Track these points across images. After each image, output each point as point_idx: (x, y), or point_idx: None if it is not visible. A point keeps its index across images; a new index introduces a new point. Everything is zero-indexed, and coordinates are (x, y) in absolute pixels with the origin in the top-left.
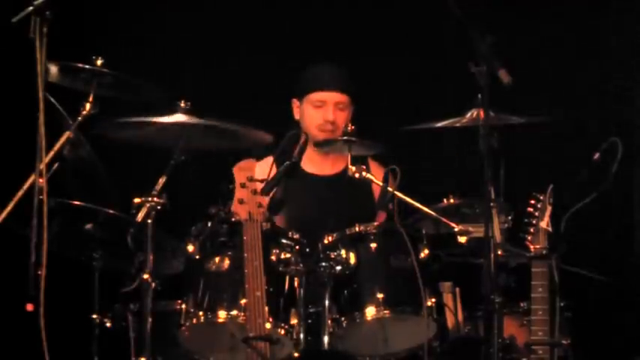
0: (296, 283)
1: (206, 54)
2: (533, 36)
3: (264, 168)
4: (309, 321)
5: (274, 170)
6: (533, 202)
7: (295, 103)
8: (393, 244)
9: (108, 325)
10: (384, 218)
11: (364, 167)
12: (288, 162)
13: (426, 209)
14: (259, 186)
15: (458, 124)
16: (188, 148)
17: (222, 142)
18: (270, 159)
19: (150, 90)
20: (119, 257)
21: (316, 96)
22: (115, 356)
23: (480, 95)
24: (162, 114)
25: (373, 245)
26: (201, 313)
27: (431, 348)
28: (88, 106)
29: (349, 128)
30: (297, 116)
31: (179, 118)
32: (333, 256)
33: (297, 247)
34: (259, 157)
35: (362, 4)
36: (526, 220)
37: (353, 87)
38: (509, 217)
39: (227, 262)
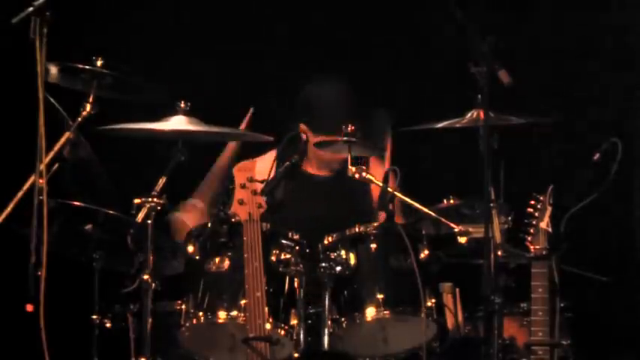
0: (296, 284)
1: (207, 55)
2: (532, 36)
3: (265, 164)
4: (309, 321)
5: (274, 172)
6: (533, 202)
7: (302, 128)
8: (393, 245)
9: (108, 325)
10: (384, 218)
11: (364, 167)
12: (287, 163)
13: (426, 209)
14: (259, 187)
15: (458, 125)
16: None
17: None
18: (270, 155)
19: (150, 90)
20: (119, 258)
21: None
22: (115, 356)
23: (480, 95)
24: (162, 115)
25: (373, 246)
26: (201, 313)
27: (431, 349)
28: (88, 106)
29: (349, 128)
30: (304, 137)
31: (179, 120)
32: (333, 257)
33: (297, 247)
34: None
35: (362, 4)
36: (526, 221)
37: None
38: (509, 218)
39: (227, 262)
